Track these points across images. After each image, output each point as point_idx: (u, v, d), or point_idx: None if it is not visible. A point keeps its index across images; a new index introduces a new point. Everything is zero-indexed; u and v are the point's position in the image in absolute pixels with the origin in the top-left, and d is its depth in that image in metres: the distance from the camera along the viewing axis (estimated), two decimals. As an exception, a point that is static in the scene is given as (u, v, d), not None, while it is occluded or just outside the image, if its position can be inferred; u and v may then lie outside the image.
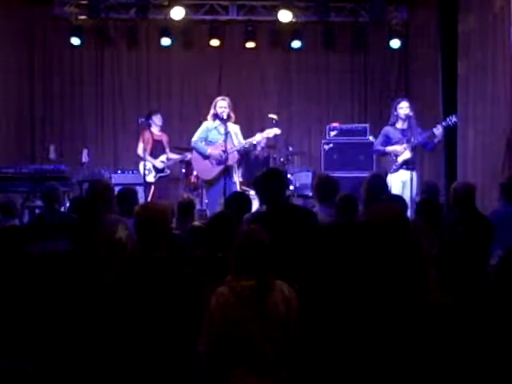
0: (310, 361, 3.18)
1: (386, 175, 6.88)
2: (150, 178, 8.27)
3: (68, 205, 6.87)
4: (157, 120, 8.54)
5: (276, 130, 7.37)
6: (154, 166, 8.35)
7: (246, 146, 7.41)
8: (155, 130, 8.49)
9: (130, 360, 3.03)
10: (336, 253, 3.38)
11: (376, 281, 2.86)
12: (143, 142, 8.26)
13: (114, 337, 3.04)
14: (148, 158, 8.26)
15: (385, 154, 7.48)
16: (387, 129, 7.53)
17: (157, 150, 8.40)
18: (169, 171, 8.49)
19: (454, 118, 7.24)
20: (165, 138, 8.59)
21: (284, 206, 4.35)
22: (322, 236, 3.62)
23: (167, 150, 8.56)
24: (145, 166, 7.97)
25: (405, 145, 7.28)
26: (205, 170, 7.40)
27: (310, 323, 3.20)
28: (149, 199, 7.90)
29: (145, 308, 3.05)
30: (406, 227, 3.18)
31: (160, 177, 8.38)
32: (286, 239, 3.90)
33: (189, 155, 8.24)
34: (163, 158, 8.40)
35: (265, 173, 4.50)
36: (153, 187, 8.25)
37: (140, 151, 8.31)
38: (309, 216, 4.34)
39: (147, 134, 8.32)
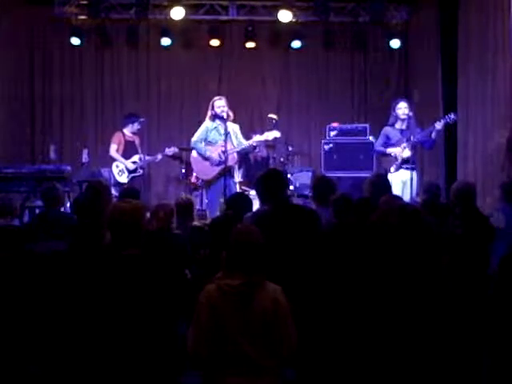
0: (317, 361, 3.17)
1: (386, 175, 6.89)
2: (123, 179, 8.30)
3: (69, 205, 6.88)
4: (136, 125, 8.54)
5: (276, 133, 7.32)
6: (126, 167, 8.36)
7: (245, 148, 7.40)
8: (127, 131, 8.51)
9: (109, 358, 3.00)
10: (347, 253, 3.37)
11: (395, 277, 2.85)
12: (115, 143, 8.40)
13: (96, 335, 3.01)
14: (120, 158, 8.35)
15: (385, 154, 7.54)
16: (387, 129, 7.60)
17: (128, 151, 8.42)
18: (141, 171, 8.49)
19: (452, 116, 7.26)
20: (137, 140, 8.60)
21: (286, 206, 4.38)
22: (330, 237, 3.61)
23: (139, 150, 8.54)
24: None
25: (404, 144, 7.33)
26: (204, 170, 7.39)
27: (319, 323, 3.19)
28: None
29: (117, 305, 3.00)
30: (421, 224, 3.16)
31: (133, 177, 8.38)
32: (288, 239, 3.91)
33: (159, 156, 8.51)
34: (135, 158, 8.41)
35: (264, 173, 4.51)
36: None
37: (112, 152, 8.39)
38: (312, 216, 4.36)
39: (118, 136, 8.45)
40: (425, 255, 2.91)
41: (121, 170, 8.34)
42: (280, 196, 4.30)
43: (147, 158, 8.51)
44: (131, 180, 8.33)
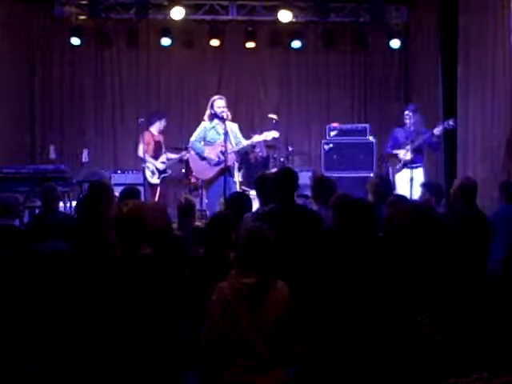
0: (319, 361, 3.18)
1: (387, 175, 7.05)
2: (155, 180, 8.15)
3: (69, 205, 6.87)
4: (163, 123, 8.42)
5: (274, 133, 7.30)
6: (156, 168, 8.20)
7: (244, 147, 7.38)
8: (154, 131, 8.37)
9: (116, 359, 3.00)
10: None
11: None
12: (144, 143, 8.06)
13: (102, 336, 3.01)
14: (149, 159, 8.13)
15: (392, 155, 7.82)
16: (397, 130, 7.89)
17: (157, 150, 8.28)
18: (170, 171, 8.40)
19: (451, 122, 7.41)
20: (162, 139, 8.49)
21: (295, 206, 4.41)
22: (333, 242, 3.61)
23: (164, 150, 8.47)
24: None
25: (408, 146, 7.53)
26: (202, 170, 7.36)
27: (320, 323, 3.20)
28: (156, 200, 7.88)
29: (127, 306, 3.00)
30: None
31: (163, 177, 8.28)
32: (294, 237, 3.93)
33: (187, 154, 8.18)
34: (163, 158, 8.30)
35: (278, 171, 4.56)
36: (159, 188, 8.18)
37: (141, 153, 8.07)
38: (315, 217, 4.39)
39: (148, 135, 8.20)
40: (439, 252, 2.92)
41: (152, 171, 8.14)
42: (290, 196, 4.36)
43: (173, 156, 8.36)
44: (162, 180, 8.20)
